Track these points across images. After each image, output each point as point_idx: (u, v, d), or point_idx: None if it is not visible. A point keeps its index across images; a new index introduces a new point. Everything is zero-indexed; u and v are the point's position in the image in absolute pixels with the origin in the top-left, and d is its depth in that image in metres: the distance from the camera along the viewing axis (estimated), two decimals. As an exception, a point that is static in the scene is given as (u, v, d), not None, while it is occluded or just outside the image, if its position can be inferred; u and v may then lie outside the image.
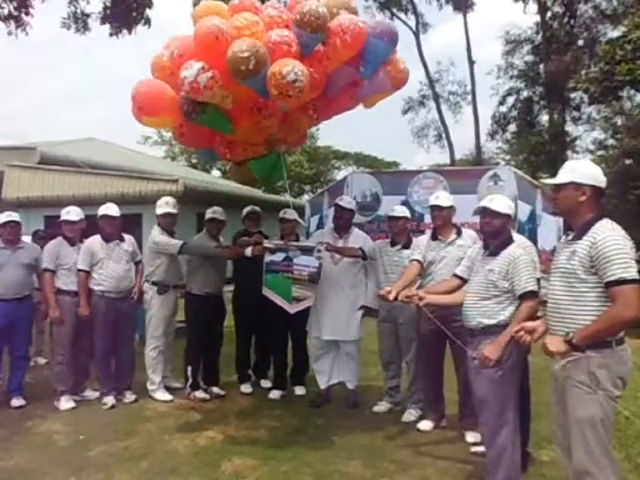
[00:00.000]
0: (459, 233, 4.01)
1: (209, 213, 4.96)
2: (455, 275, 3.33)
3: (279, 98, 3.26)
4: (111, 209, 4.77)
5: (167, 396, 4.81)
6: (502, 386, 2.93)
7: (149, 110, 3.60)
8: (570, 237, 2.48)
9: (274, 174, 4.46)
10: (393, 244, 4.44)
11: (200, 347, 4.90)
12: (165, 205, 4.90)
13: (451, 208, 4.00)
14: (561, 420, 2.48)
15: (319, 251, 4.23)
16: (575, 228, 2.46)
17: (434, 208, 4.01)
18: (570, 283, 2.38)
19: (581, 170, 2.44)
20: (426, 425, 4.13)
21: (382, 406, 4.54)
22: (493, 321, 2.97)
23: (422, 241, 4.13)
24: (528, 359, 3.37)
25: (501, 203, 3.07)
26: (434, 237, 4.06)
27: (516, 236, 3.28)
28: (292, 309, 4.28)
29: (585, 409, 2.31)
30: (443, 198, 4.02)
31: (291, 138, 4.25)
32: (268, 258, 4.24)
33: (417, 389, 4.37)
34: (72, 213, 4.73)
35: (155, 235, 4.80)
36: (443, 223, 4.03)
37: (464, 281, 3.26)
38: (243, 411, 4.53)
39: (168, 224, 4.89)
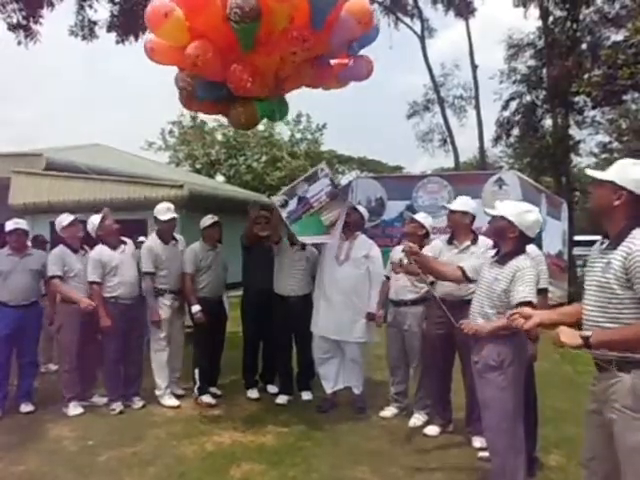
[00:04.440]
0: (474, 241, 3.94)
1: (208, 220, 4.98)
2: (460, 267, 3.30)
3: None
4: (97, 218, 4.75)
5: (174, 401, 4.84)
6: (505, 391, 2.92)
7: None
8: (604, 246, 2.23)
9: (274, 115, 4.35)
10: (450, 242, 4.10)
11: (205, 351, 4.97)
12: (161, 213, 4.93)
13: (466, 213, 3.92)
14: (598, 446, 2.23)
15: (322, 170, 4.17)
16: (610, 235, 2.22)
17: (449, 211, 4.01)
18: (607, 299, 2.14)
19: (629, 172, 2.17)
20: (433, 430, 4.14)
21: (389, 411, 4.55)
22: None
23: (437, 244, 4.12)
24: (533, 365, 3.39)
25: (505, 208, 3.01)
26: (449, 241, 4.04)
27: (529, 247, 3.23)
28: (333, 237, 4.31)
29: (634, 436, 2.06)
30: (457, 202, 3.99)
31: (289, 85, 4.16)
32: (285, 212, 4.20)
33: (424, 394, 4.38)
34: (65, 218, 4.73)
35: (147, 241, 5.00)
36: (457, 228, 3.99)
37: (466, 277, 3.25)
38: (250, 416, 4.55)
39: (163, 230, 4.95)
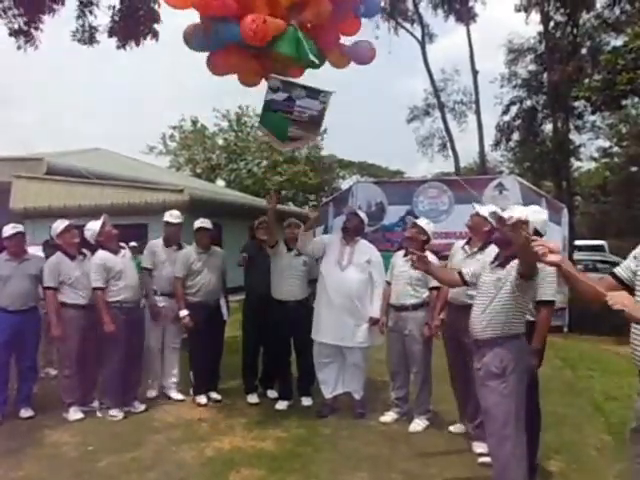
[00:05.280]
0: (483, 248, 3.88)
1: (197, 223, 5.08)
2: (459, 272, 3.31)
3: None
4: (97, 224, 4.72)
5: (153, 393, 5.15)
6: (506, 398, 2.92)
7: None
8: None
9: (301, 49, 4.03)
10: (463, 245, 4.15)
11: (199, 354, 5.02)
12: (168, 216, 5.19)
13: (485, 220, 3.84)
14: None
15: (326, 95, 4.04)
16: None
17: (474, 212, 3.99)
18: None
19: None
20: (458, 428, 4.21)
21: (389, 416, 4.53)
22: (498, 333, 2.96)
23: (455, 246, 4.21)
24: (537, 373, 3.37)
25: (514, 213, 3.01)
26: (464, 245, 4.09)
27: None
28: (283, 147, 4.34)
29: None
30: (485, 207, 3.94)
31: (306, 15, 3.96)
32: (269, 97, 4.05)
33: (424, 399, 4.39)
34: (59, 224, 4.72)
35: (152, 241, 5.29)
36: (474, 231, 3.99)
37: (463, 281, 3.26)
38: (250, 422, 4.54)
39: (169, 234, 5.19)
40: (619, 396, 5.10)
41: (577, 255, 14.99)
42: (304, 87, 4.04)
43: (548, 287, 3.26)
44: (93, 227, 4.72)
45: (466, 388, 3.99)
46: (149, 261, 5.13)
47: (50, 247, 5.98)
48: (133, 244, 6.64)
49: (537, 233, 3.01)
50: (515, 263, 2.91)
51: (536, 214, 3.06)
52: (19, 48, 6.78)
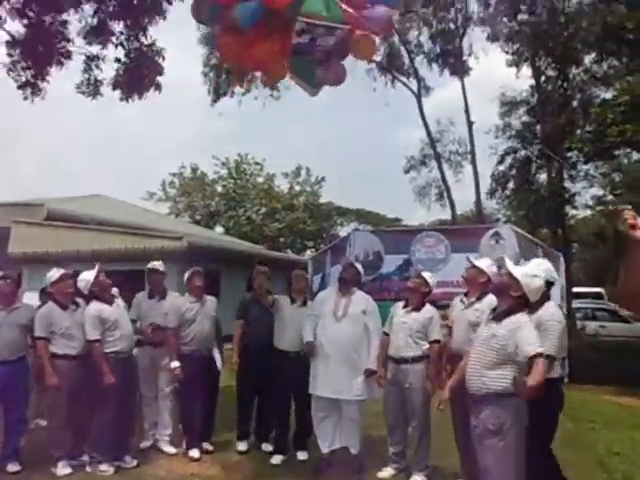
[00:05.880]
0: (480, 298, 3.96)
1: (190, 270, 5.07)
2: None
3: None
4: (90, 274, 4.66)
5: (147, 444, 5.05)
6: (505, 456, 2.84)
7: None
8: None
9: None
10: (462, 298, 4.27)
11: (190, 405, 4.90)
12: (150, 265, 5.23)
13: (482, 272, 3.99)
14: None
15: (342, 31, 3.85)
16: None
17: (470, 265, 4.13)
18: None
19: None
20: None
21: (387, 472, 4.40)
22: (492, 389, 2.91)
23: (456, 299, 4.28)
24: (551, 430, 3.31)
25: (515, 266, 3.08)
26: (463, 297, 4.18)
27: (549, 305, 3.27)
28: (312, 93, 4.19)
29: None
30: (480, 260, 4.15)
31: None
32: (296, 40, 3.98)
33: (423, 455, 4.27)
34: (54, 274, 4.65)
35: (138, 293, 5.29)
36: (470, 283, 4.11)
37: None
38: (245, 477, 4.41)
39: (152, 282, 5.23)
40: (622, 450, 5.00)
41: (576, 303, 14.91)
42: (324, 26, 4.09)
43: (548, 341, 3.21)
44: (87, 277, 4.64)
45: (465, 442, 3.92)
46: (134, 313, 5.11)
47: (46, 295, 5.96)
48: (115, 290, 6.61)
49: (524, 298, 3.04)
50: (511, 322, 2.88)
51: (529, 278, 3.05)
52: (25, 99, 6.98)
